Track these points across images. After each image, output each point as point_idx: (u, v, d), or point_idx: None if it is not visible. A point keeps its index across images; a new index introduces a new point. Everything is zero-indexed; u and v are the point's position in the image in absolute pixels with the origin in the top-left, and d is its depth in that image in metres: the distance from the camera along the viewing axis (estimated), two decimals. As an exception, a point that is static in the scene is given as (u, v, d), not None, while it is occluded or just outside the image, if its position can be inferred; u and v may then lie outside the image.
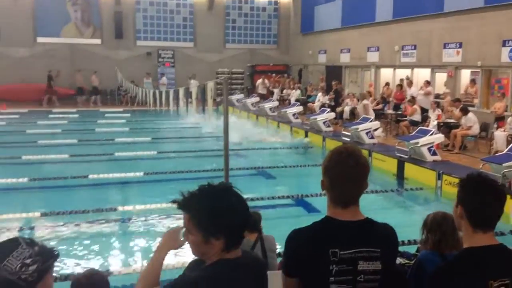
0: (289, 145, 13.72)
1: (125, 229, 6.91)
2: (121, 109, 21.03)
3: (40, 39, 22.37)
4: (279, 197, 8.10)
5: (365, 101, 14.91)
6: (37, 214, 6.84)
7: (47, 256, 1.67)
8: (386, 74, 18.32)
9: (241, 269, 1.71)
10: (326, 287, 1.83)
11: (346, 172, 1.87)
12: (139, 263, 5.51)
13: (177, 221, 7.06)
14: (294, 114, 16.38)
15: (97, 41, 23.29)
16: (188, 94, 10.52)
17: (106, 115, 19.35)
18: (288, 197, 8.21)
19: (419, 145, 9.95)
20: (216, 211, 1.67)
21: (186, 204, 1.72)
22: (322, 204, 7.15)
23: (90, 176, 8.99)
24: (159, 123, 16.72)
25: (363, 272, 1.85)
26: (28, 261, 1.60)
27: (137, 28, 23.85)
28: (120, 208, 7.28)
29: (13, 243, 1.64)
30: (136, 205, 7.44)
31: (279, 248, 4.17)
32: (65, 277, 4.57)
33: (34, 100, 21.19)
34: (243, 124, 16.52)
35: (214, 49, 24.91)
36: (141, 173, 9.50)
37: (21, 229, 6.68)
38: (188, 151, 12.23)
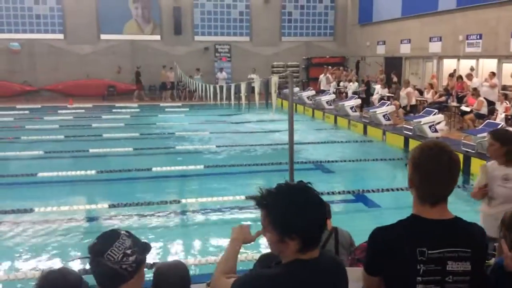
0: (347, 138, 13.52)
1: (187, 221, 7.10)
2: (179, 104, 21.56)
3: (103, 36, 23.28)
4: (339, 192, 8.01)
5: (409, 89, 14.55)
6: (105, 205, 7.15)
7: (143, 247, 1.73)
8: (449, 65, 17.58)
9: (317, 271, 1.68)
10: (412, 287, 1.80)
11: (439, 169, 1.81)
12: (200, 254, 5.63)
13: (237, 214, 7.17)
14: (352, 107, 16.11)
15: (157, 37, 23.93)
16: (250, 88, 10.58)
17: (166, 109, 19.93)
18: (348, 192, 8.10)
19: (487, 139, 9.48)
20: (291, 211, 1.65)
21: (263, 201, 1.72)
22: (382, 200, 7.04)
23: (154, 169, 9.28)
24: (217, 117, 17.01)
25: (452, 273, 1.80)
26: (128, 251, 1.65)
27: (195, 23, 24.27)
28: (183, 201, 7.47)
29: (114, 234, 1.70)
30: (198, 198, 7.60)
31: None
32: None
33: (98, 95, 22.12)
34: (299, 117, 16.44)
35: (270, 43, 24.92)
36: (201, 166, 9.70)
37: (90, 220, 7.03)
38: (248, 145, 12.36)
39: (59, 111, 18.25)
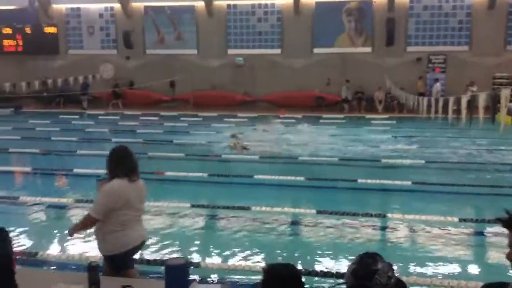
0: None
1: (392, 237, 6.89)
2: (386, 116, 21.16)
3: (316, 50, 24.35)
4: None
5: None
6: (313, 211, 7.44)
7: (392, 268, 1.78)
8: None
9: None
10: None
11: None
12: (405, 272, 5.40)
13: (448, 235, 6.67)
14: None
15: (368, 49, 23.94)
16: (471, 102, 9.81)
17: (372, 121, 19.78)
18: None
19: None
20: None
21: None
22: None
23: (359, 181, 9.28)
24: (427, 131, 16.16)
25: None
26: (390, 274, 1.74)
27: (408, 34, 23.53)
28: (389, 215, 7.29)
29: (372, 257, 1.79)
30: (404, 214, 7.32)
31: None
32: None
33: (306, 106, 23.19)
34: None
35: (492, 52, 22.54)
36: (409, 182, 9.31)
37: (297, 223, 7.40)
38: (462, 163, 11.44)
39: (273, 120, 19.72)
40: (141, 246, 4.20)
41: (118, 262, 3.87)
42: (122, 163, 3.97)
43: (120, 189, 3.87)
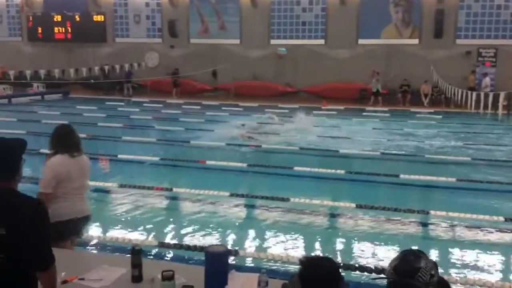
0: None
1: (434, 234, 6.74)
2: (432, 110, 20.58)
3: (361, 41, 23.87)
4: None
5: None
6: (352, 205, 7.33)
7: (436, 265, 1.75)
8: None
9: None
10: None
11: None
12: (445, 271, 5.26)
13: (493, 234, 6.45)
14: None
15: (415, 41, 23.25)
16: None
17: (417, 115, 19.27)
18: None
19: None
20: None
21: None
22: None
23: (401, 176, 9.08)
24: (475, 128, 15.62)
25: None
26: (432, 272, 1.72)
27: (458, 26, 22.70)
28: (432, 212, 7.10)
29: (414, 254, 1.77)
30: (448, 212, 7.10)
31: None
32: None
33: (350, 98, 22.84)
34: None
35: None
36: (453, 179, 9.04)
37: (335, 216, 7.34)
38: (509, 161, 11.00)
39: (314, 112, 19.54)
40: (83, 221, 4.32)
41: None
42: (63, 140, 4.23)
43: (61, 162, 4.11)
